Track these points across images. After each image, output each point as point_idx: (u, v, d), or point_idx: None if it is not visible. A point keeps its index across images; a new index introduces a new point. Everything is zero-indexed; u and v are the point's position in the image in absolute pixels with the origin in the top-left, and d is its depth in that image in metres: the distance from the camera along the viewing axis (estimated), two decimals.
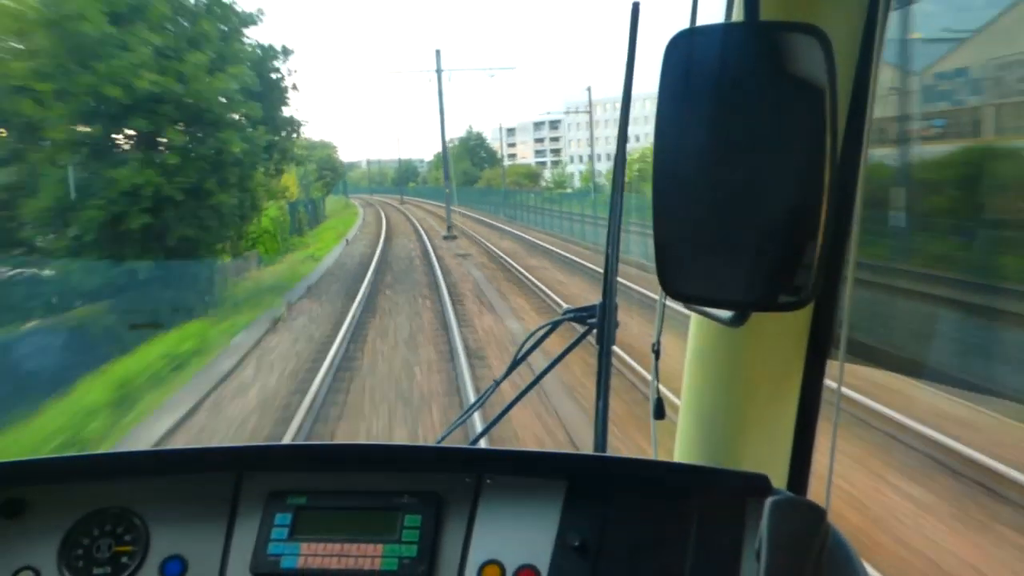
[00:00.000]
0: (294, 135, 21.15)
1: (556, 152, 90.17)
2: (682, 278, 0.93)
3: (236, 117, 17.05)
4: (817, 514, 1.02)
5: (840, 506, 5.36)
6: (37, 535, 1.40)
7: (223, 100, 16.41)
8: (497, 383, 1.73)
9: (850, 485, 5.87)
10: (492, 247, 26.89)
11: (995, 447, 6.13)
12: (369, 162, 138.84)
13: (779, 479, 1.39)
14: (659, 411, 1.56)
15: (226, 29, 16.93)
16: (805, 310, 1.33)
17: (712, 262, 0.91)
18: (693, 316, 1.40)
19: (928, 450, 6.49)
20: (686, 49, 0.88)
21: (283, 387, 10.05)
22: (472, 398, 8.81)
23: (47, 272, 14.47)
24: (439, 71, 35.57)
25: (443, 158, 42.84)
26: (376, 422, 8.37)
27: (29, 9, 13.69)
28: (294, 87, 20.08)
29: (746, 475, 1.28)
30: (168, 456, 1.57)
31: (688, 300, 1.00)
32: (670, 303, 1.45)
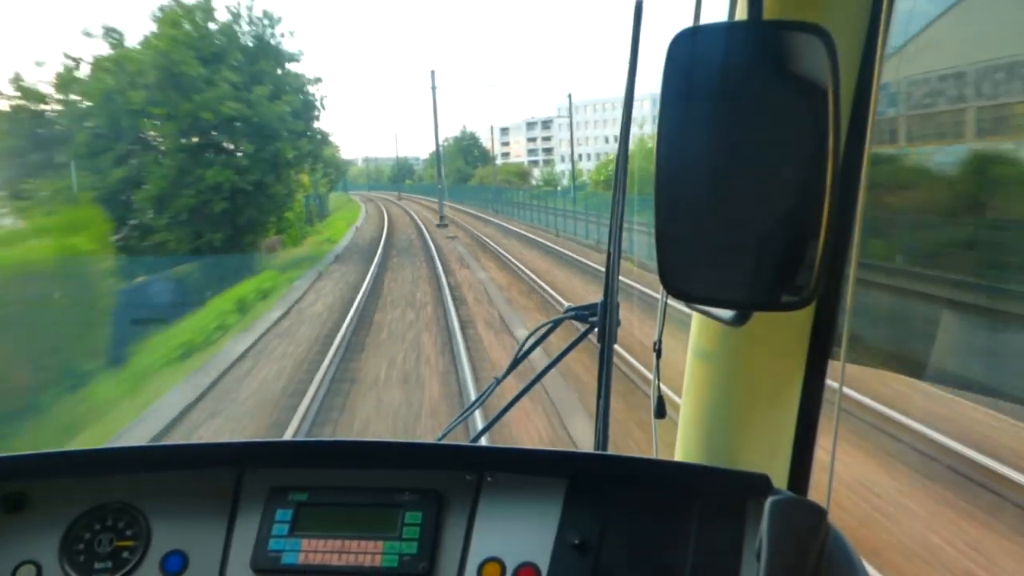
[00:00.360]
0: (324, 144, 28.55)
1: (548, 151, 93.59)
2: (684, 277, 0.93)
3: (286, 133, 23.85)
4: (818, 514, 1.02)
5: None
6: (38, 529, 1.40)
7: (279, 120, 23.48)
8: (498, 381, 1.73)
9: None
10: (476, 232, 34.58)
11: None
12: (366, 160, 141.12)
13: (780, 479, 1.39)
14: (660, 410, 1.56)
15: (279, 71, 24.13)
16: (807, 310, 1.33)
17: (714, 261, 0.91)
18: (695, 315, 1.40)
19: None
20: (689, 48, 0.88)
21: (336, 304, 16.98)
22: (457, 329, 13.08)
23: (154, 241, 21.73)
24: (433, 88, 41.18)
25: (436, 161, 51.52)
26: (393, 315, 15.42)
27: (147, 57, 20.79)
28: (322, 105, 27.16)
29: (747, 475, 1.27)
30: (169, 451, 1.57)
31: (690, 299, 1.00)
32: (672, 303, 1.46)
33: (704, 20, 1.15)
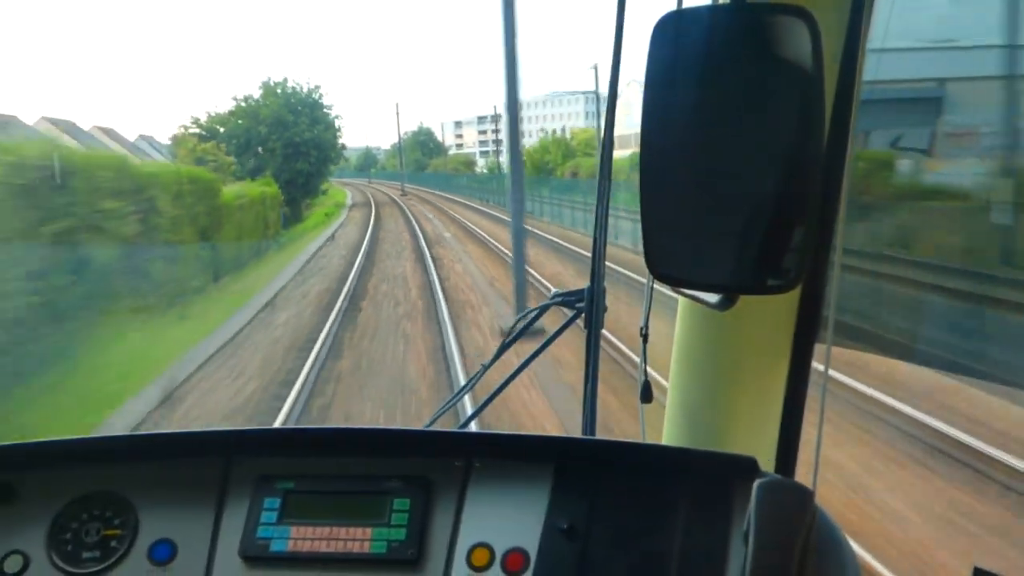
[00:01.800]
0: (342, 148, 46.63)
1: (498, 143, 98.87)
2: (670, 261, 0.93)
3: (328, 146, 40.68)
4: (804, 495, 1.03)
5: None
6: (25, 520, 1.39)
7: (326, 141, 40.23)
8: (485, 367, 1.73)
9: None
10: (430, 201, 53.71)
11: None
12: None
13: (767, 461, 1.40)
14: (647, 394, 1.57)
15: (327, 109, 40.70)
16: (792, 293, 1.33)
17: (699, 245, 0.92)
18: (681, 300, 1.41)
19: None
20: (673, 31, 0.88)
21: (361, 219, 38.28)
22: (417, 229, 30.19)
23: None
24: (398, 111, 57.93)
25: (399, 153, 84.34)
26: (388, 225, 35.52)
27: (265, 110, 37.81)
28: (338, 126, 42.19)
29: (734, 457, 1.28)
30: (156, 440, 1.57)
31: (675, 283, 1.01)
32: (659, 288, 1.46)
33: (688, 4, 1.15)
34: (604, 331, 1.62)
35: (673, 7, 0.95)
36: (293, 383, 10.19)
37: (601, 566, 1.24)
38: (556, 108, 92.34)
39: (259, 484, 1.41)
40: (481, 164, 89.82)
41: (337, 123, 41.55)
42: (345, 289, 17.11)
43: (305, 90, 39.16)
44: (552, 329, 1.69)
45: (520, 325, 1.70)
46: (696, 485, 1.28)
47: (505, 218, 23.24)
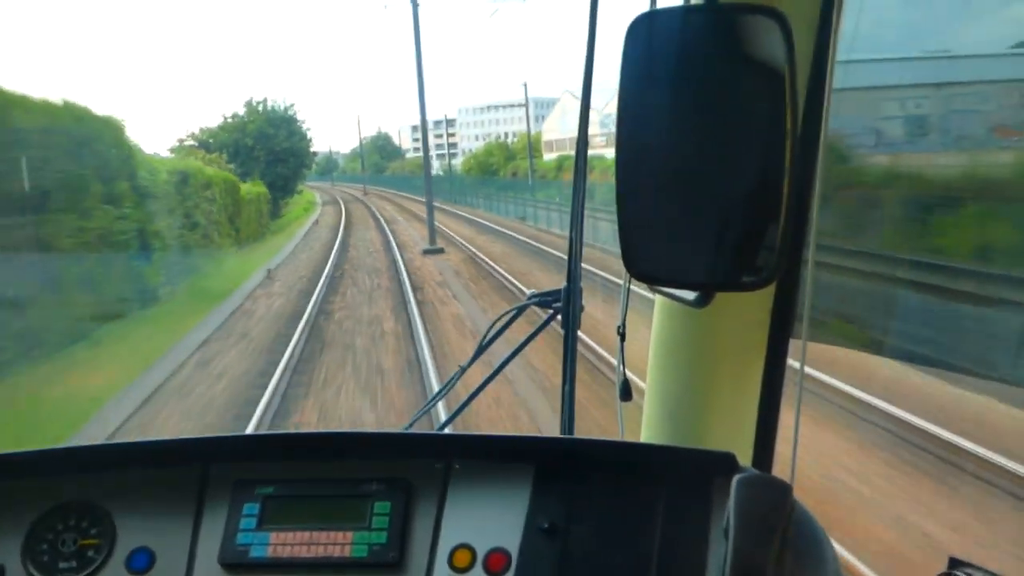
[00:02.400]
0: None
1: (453, 146, 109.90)
2: (646, 259, 0.94)
3: (303, 156, 47.29)
4: (783, 490, 1.04)
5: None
6: (1, 530, 1.38)
7: (301, 149, 46.24)
8: (463, 369, 1.73)
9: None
10: (388, 198, 62.21)
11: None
12: None
13: (744, 457, 1.41)
14: (625, 393, 1.58)
15: (300, 123, 46.44)
16: (767, 290, 1.35)
17: (675, 243, 0.92)
18: (657, 298, 1.42)
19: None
20: (646, 32, 0.88)
21: (333, 211, 48.90)
22: (380, 217, 41.72)
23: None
24: (359, 124, 69.79)
25: (360, 159, 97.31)
26: (355, 213, 46.60)
27: (251, 125, 43.38)
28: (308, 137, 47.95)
29: (712, 453, 1.29)
30: (132, 449, 1.55)
31: (652, 281, 1.01)
32: (635, 288, 1.47)
33: (661, 3, 1.16)
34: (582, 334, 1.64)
35: (646, 8, 0.96)
36: (323, 267, 21.81)
37: (583, 564, 1.25)
38: (497, 114, 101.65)
39: (237, 490, 1.39)
40: (436, 166, 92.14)
41: (308, 134, 47.99)
42: (337, 242, 29.14)
43: (282, 107, 46.07)
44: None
45: (497, 327, 1.70)
46: (676, 482, 1.28)
47: (448, 208, 44.09)
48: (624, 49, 0.88)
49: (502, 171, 57.08)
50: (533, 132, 60.11)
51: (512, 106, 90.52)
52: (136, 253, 16.93)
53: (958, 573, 1.16)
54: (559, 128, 62.97)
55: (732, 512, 1.00)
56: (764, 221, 0.87)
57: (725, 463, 1.26)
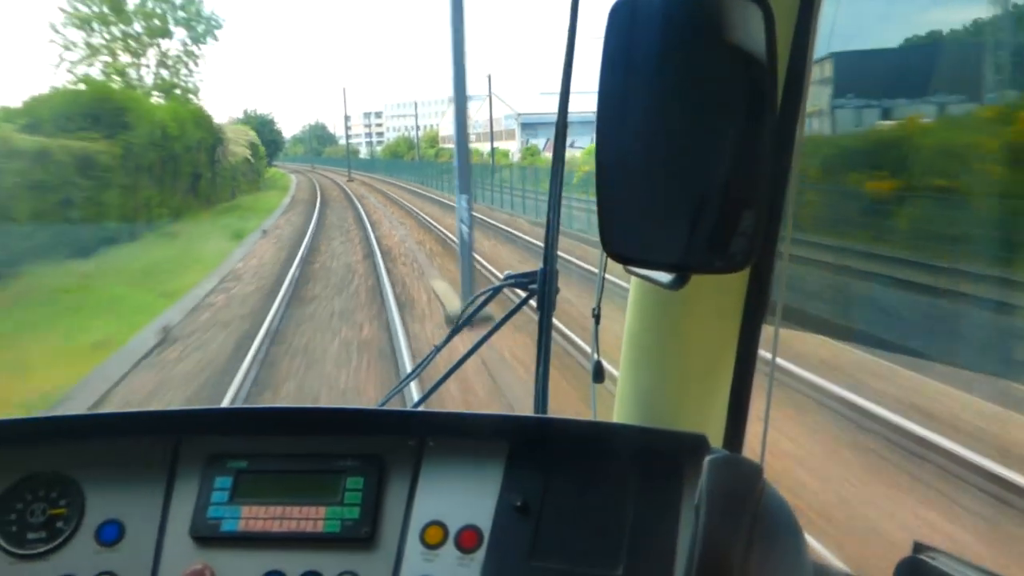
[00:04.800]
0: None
1: (380, 135, 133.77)
2: (623, 241, 0.94)
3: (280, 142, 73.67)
4: (754, 471, 1.05)
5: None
6: None
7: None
8: (437, 349, 1.74)
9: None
10: (325, 175, 70.29)
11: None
12: None
13: (716, 438, 1.43)
14: (598, 374, 1.59)
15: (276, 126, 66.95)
16: (741, 275, 1.36)
17: (653, 226, 0.93)
18: (632, 280, 1.43)
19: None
20: (627, 17, 0.88)
21: (309, 184, 55.27)
22: (317, 186, 54.90)
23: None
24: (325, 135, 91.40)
25: (310, 143, 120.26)
26: (321, 182, 59.31)
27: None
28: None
29: (684, 435, 1.31)
30: (103, 420, 1.54)
31: (628, 262, 1.02)
32: (610, 276, 1.48)
33: None
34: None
35: None
36: (316, 203, 36.41)
37: (555, 542, 1.26)
38: (421, 108, 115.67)
39: (210, 463, 1.40)
40: (364, 152, 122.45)
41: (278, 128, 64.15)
42: (316, 186, 51.36)
43: (268, 116, 65.92)
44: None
45: (471, 308, 1.71)
46: (648, 462, 1.30)
47: (366, 176, 68.69)
48: (605, 34, 0.88)
49: (405, 156, 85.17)
50: (435, 127, 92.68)
51: (432, 102, 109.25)
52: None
53: (922, 557, 1.18)
54: (451, 126, 78.61)
55: (703, 492, 1.01)
56: (740, 207, 0.88)
57: (697, 444, 1.27)
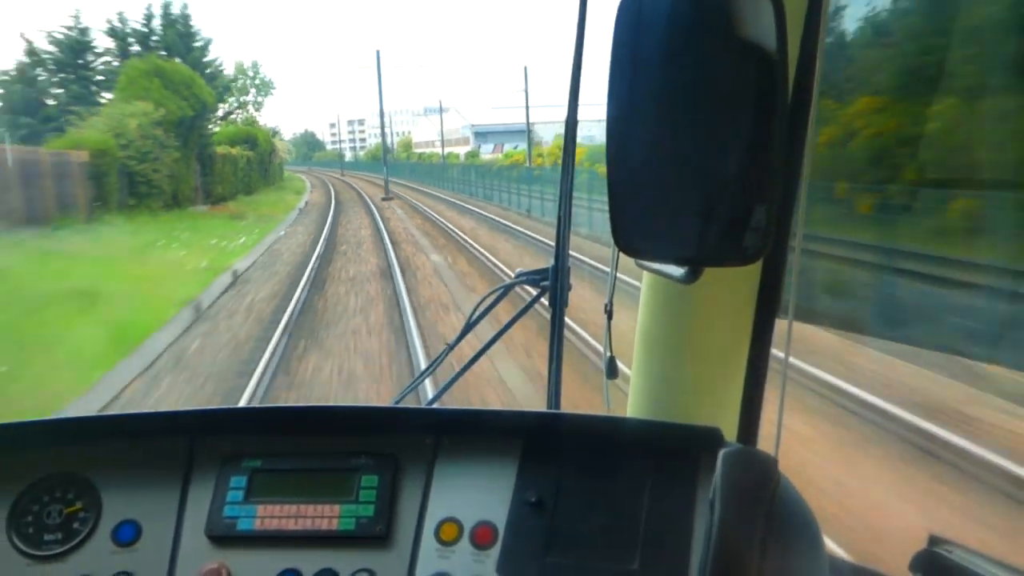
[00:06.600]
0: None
1: (363, 140, 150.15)
2: (635, 236, 0.94)
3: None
4: (769, 464, 1.05)
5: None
6: None
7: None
8: (451, 347, 1.75)
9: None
10: (320, 173, 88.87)
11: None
12: None
13: (730, 432, 1.42)
14: (612, 370, 1.59)
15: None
16: (754, 270, 1.36)
17: (664, 220, 0.93)
18: (645, 275, 1.42)
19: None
20: (636, 11, 0.88)
21: (314, 179, 74.29)
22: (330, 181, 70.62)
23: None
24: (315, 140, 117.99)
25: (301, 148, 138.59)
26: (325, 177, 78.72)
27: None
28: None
29: (698, 428, 1.30)
30: (119, 421, 1.55)
31: (641, 256, 1.02)
32: (621, 276, 1.48)
33: None
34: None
35: None
36: (327, 185, 61.12)
37: (570, 537, 1.26)
38: (398, 116, 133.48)
39: (225, 463, 1.40)
40: (349, 155, 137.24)
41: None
42: (328, 182, 66.16)
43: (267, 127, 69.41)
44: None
45: (484, 305, 1.71)
46: (662, 456, 1.30)
47: (351, 174, 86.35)
48: (614, 30, 0.88)
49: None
50: (408, 134, 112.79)
51: (408, 112, 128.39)
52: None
53: (938, 550, 1.18)
54: (420, 134, 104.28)
55: (718, 485, 1.01)
56: (752, 201, 0.88)
57: (711, 438, 1.27)
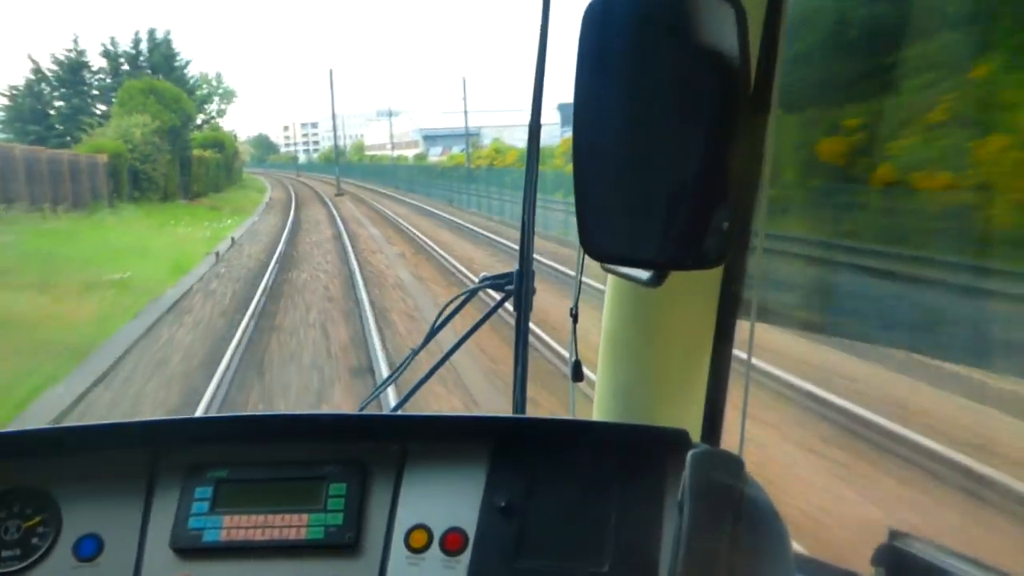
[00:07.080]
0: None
1: (316, 143, 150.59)
2: (601, 239, 0.95)
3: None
4: (736, 464, 1.06)
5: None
6: None
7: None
8: (415, 352, 1.73)
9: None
10: (276, 175, 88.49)
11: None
12: None
13: (694, 433, 1.43)
14: (577, 373, 1.59)
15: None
16: (716, 273, 1.37)
17: (629, 223, 0.93)
18: (610, 279, 1.43)
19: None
20: (602, 15, 0.89)
21: (280, 185, 65.89)
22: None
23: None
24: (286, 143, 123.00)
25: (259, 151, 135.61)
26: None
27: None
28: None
29: (666, 430, 1.31)
30: (79, 433, 1.52)
31: (606, 259, 1.03)
32: (587, 280, 1.48)
33: None
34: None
35: None
36: (286, 185, 64.42)
37: (540, 541, 1.26)
38: (351, 119, 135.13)
39: (189, 474, 1.37)
40: (303, 158, 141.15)
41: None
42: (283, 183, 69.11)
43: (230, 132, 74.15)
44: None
45: (449, 310, 1.70)
46: (630, 458, 1.30)
47: (306, 176, 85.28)
48: (580, 32, 0.88)
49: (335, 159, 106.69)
50: (361, 137, 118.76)
51: (361, 116, 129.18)
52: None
53: (898, 544, 1.20)
54: (372, 138, 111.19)
55: (687, 486, 1.01)
56: (714, 204, 0.89)
57: (678, 439, 1.28)
